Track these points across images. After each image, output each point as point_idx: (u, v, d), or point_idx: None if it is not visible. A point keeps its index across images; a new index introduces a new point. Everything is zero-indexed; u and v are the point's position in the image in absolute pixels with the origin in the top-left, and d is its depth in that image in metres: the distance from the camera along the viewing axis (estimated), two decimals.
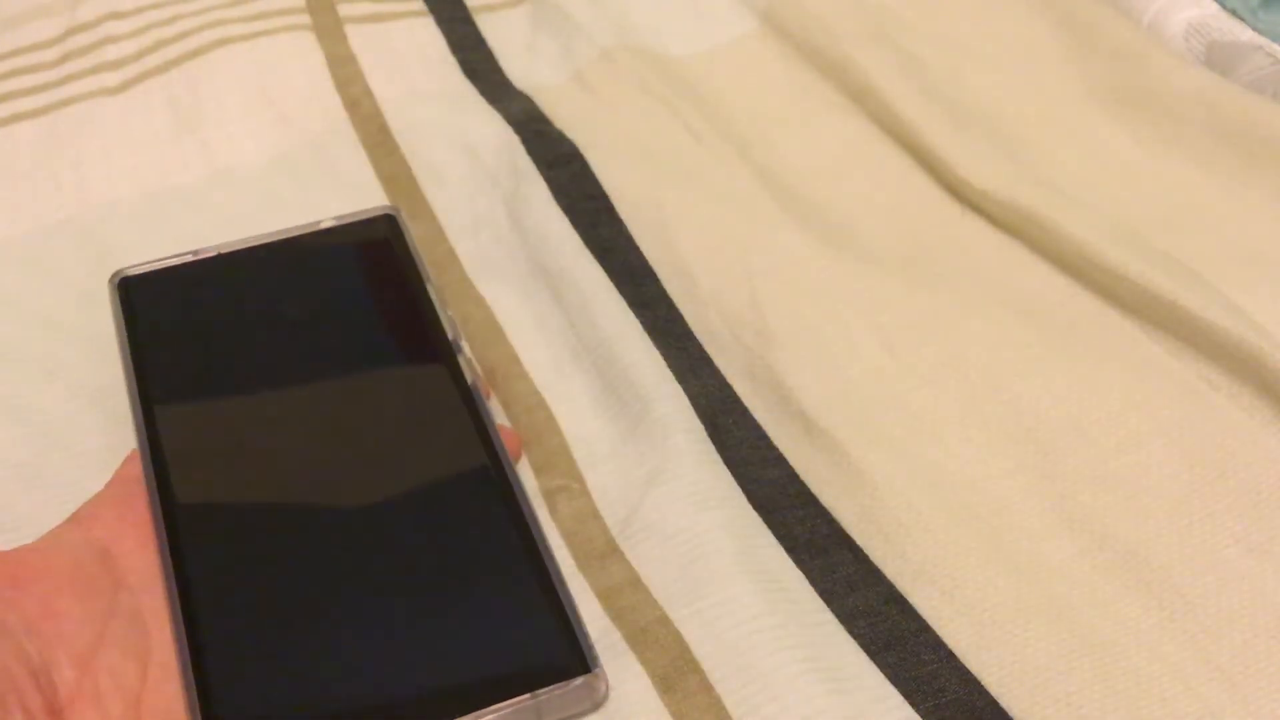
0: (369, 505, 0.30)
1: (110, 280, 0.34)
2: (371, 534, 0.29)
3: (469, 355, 0.33)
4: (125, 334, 0.33)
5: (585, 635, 0.27)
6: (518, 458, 0.33)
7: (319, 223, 0.36)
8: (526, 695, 0.26)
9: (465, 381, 0.32)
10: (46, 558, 0.28)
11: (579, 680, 0.26)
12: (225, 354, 0.33)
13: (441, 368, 0.32)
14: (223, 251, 0.35)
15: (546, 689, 0.26)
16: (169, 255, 0.35)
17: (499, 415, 0.35)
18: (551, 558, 0.29)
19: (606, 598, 0.30)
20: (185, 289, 0.34)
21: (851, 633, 0.29)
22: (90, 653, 0.26)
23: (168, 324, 0.34)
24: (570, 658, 0.27)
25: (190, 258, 0.35)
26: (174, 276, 0.35)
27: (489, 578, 0.28)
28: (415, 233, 0.41)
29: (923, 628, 0.29)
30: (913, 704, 0.27)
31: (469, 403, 0.32)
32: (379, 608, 0.28)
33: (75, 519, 0.29)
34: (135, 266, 0.35)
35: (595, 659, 0.27)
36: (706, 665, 0.28)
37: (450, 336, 0.33)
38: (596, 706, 0.27)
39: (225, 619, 0.27)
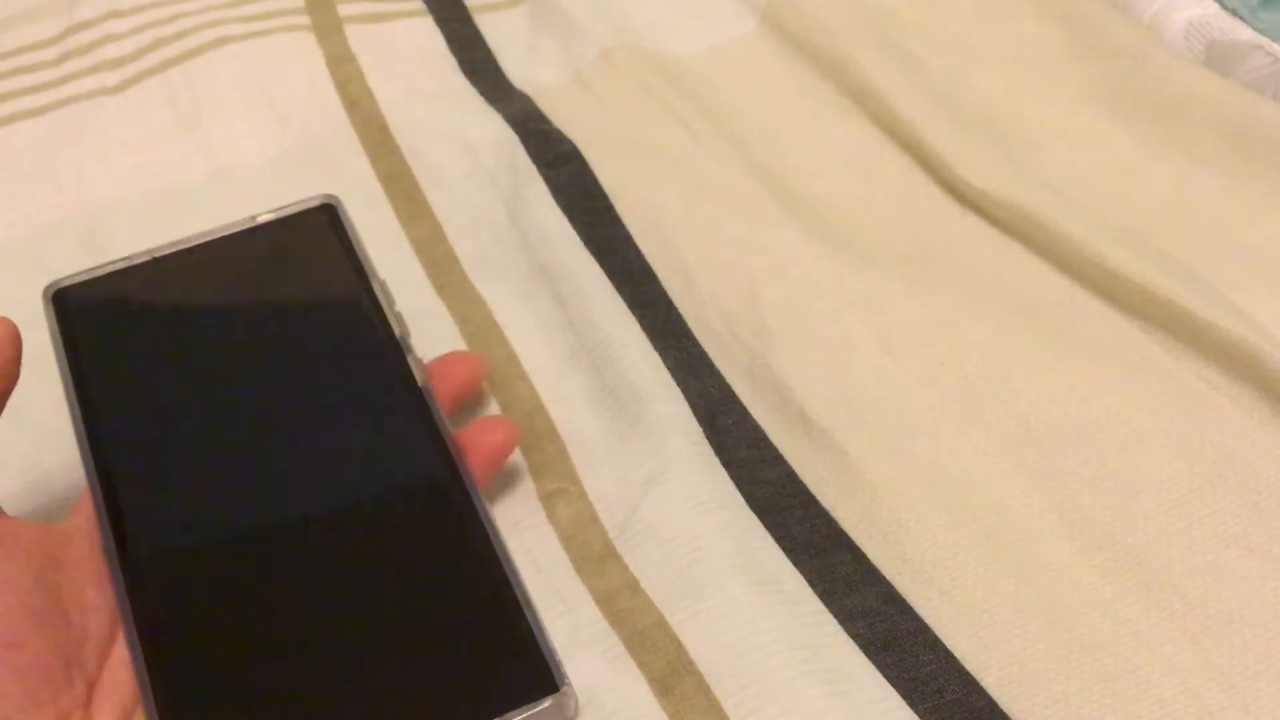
0: (323, 524, 0.28)
1: (44, 294, 0.33)
2: (327, 554, 0.28)
3: (418, 355, 0.32)
4: (64, 349, 0.32)
5: (553, 652, 0.26)
6: (514, 445, 0.32)
7: (254, 218, 0.34)
8: (495, 719, 0.25)
9: (416, 385, 0.31)
10: (74, 544, 0.28)
11: (547, 701, 0.26)
12: (168, 366, 0.32)
13: (391, 371, 0.31)
14: (157, 255, 0.34)
15: (514, 712, 0.25)
16: (103, 264, 0.34)
17: (493, 410, 0.35)
18: (514, 570, 0.28)
19: (605, 601, 0.30)
20: (123, 297, 0.33)
21: (850, 633, 0.29)
22: (109, 643, 0.27)
23: (107, 335, 0.32)
24: (538, 677, 0.26)
25: (125, 264, 0.33)
26: (110, 285, 0.33)
27: (450, 596, 0.27)
28: (415, 233, 0.41)
29: (921, 628, 0.29)
30: (911, 705, 0.27)
31: (421, 409, 0.30)
32: (337, 632, 0.27)
33: (79, 513, 0.29)
34: (69, 277, 0.33)
35: (563, 676, 0.26)
36: (704, 667, 0.28)
37: (398, 334, 0.32)
38: None
39: (184, 642, 0.26)
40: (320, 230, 0.34)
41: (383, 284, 0.33)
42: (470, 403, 0.35)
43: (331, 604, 0.27)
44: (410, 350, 0.32)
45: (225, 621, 0.27)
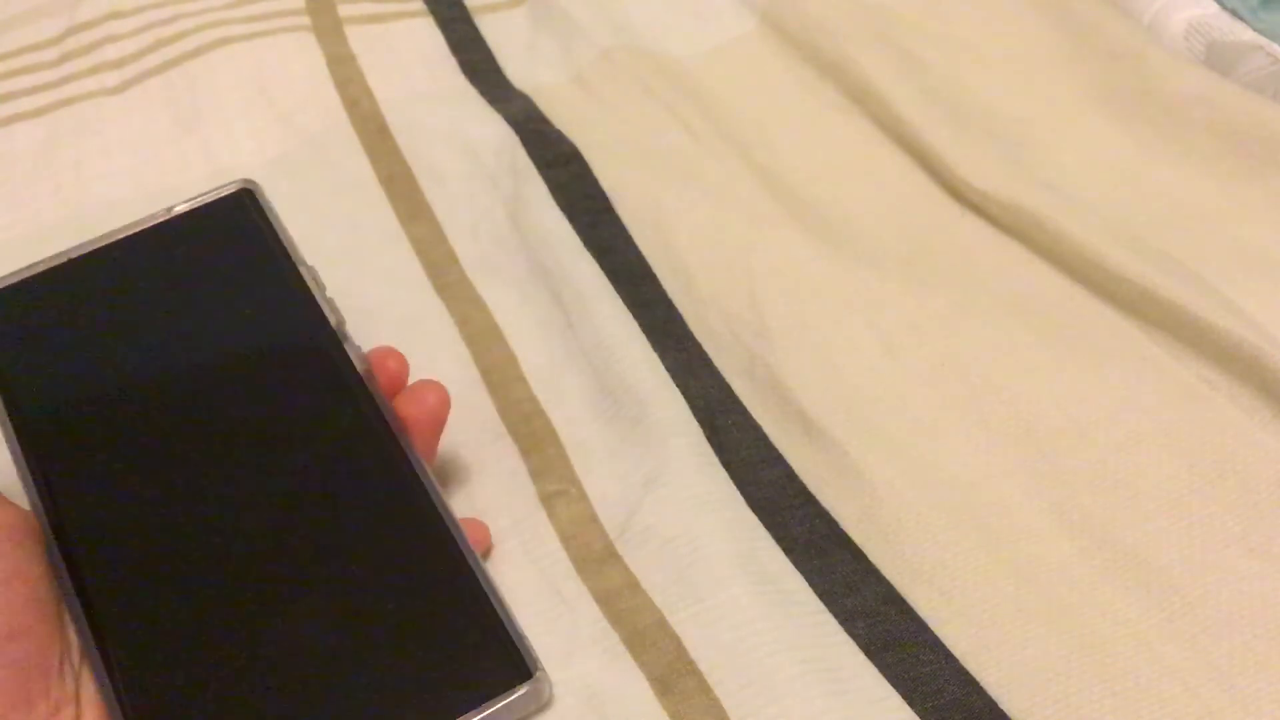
0: (275, 523, 0.28)
1: None
2: (282, 553, 0.27)
3: (355, 342, 0.31)
4: None
5: (523, 639, 0.26)
6: (448, 402, 0.31)
7: (172, 209, 0.33)
8: (472, 711, 0.25)
9: (356, 371, 0.30)
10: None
11: (523, 688, 0.26)
12: (97, 367, 0.31)
13: (330, 360, 0.30)
14: (74, 256, 0.32)
15: (491, 702, 0.25)
16: (20, 268, 0.32)
17: (496, 420, 0.35)
18: (477, 561, 0.27)
19: (605, 601, 0.30)
20: (45, 300, 0.32)
21: (850, 633, 0.29)
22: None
23: (33, 339, 0.31)
24: (511, 665, 0.26)
25: (43, 267, 0.32)
26: (30, 289, 0.32)
27: (414, 591, 0.27)
28: (415, 233, 0.41)
29: (921, 628, 0.29)
30: (911, 705, 0.27)
31: (363, 395, 0.30)
32: (304, 635, 0.26)
33: None
34: None
35: (535, 661, 0.26)
36: (704, 667, 0.28)
37: (333, 323, 0.31)
38: (543, 709, 0.27)
39: (147, 649, 0.26)
40: (242, 217, 0.33)
41: (311, 270, 0.32)
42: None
43: (293, 605, 0.27)
44: (348, 338, 0.31)
45: (188, 625, 0.26)
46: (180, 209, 0.33)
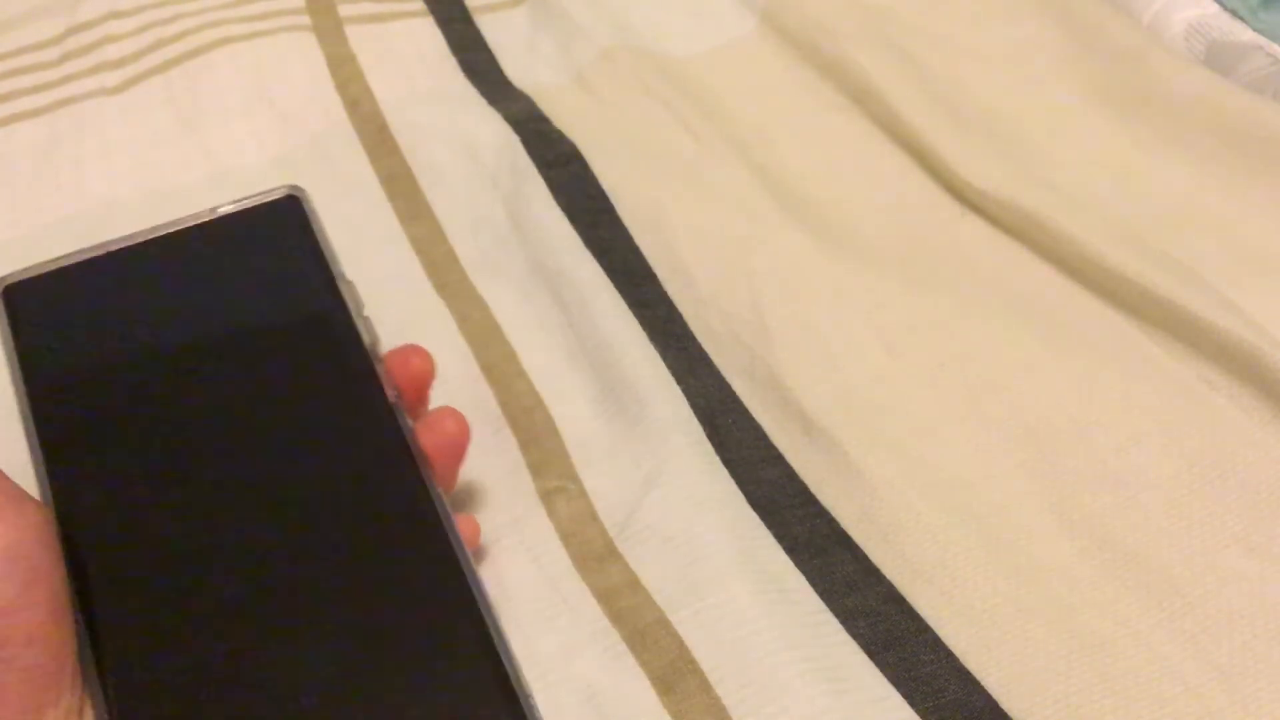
0: (285, 547, 0.27)
1: None
2: (288, 580, 0.26)
3: (388, 367, 0.30)
4: (14, 346, 0.30)
5: (528, 696, 0.25)
6: (468, 432, 0.30)
7: (216, 209, 0.32)
8: None
9: (385, 398, 0.29)
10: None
11: None
12: (123, 363, 0.30)
13: (360, 385, 0.29)
14: (113, 249, 0.31)
15: None
16: (57, 257, 0.31)
17: (498, 415, 0.35)
18: (489, 607, 0.26)
19: (605, 599, 0.30)
20: (78, 292, 0.31)
21: (851, 633, 0.29)
22: None
23: (62, 331, 0.30)
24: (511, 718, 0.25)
25: (80, 258, 0.31)
26: (64, 279, 0.31)
27: (420, 634, 0.26)
28: (415, 233, 0.41)
29: (922, 628, 0.29)
30: (912, 704, 0.27)
31: (390, 424, 0.28)
32: (302, 666, 0.25)
33: None
34: (21, 271, 0.31)
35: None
36: (706, 666, 0.28)
37: (367, 343, 0.30)
38: None
39: (143, 670, 0.25)
40: (285, 223, 0.32)
41: (350, 285, 0.31)
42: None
43: (295, 634, 0.26)
44: (380, 360, 0.30)
45: (185, 645, 0.26)
46: (224, 210, 0.32)
